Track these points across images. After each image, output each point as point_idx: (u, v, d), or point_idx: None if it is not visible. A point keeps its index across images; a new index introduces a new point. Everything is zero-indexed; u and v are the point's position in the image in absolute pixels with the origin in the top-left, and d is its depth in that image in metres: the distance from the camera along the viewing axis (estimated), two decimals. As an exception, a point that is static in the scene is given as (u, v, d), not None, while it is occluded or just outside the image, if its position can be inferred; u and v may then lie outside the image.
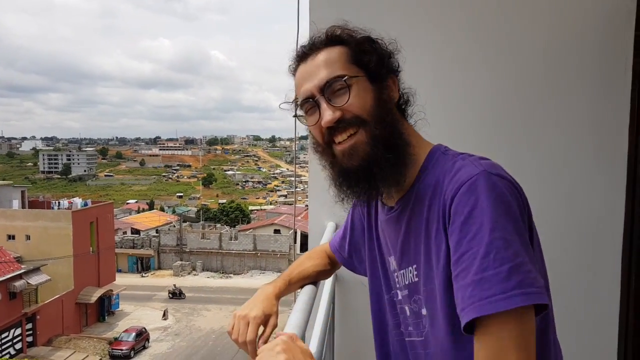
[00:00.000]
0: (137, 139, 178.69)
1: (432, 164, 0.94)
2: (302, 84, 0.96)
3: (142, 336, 24.65)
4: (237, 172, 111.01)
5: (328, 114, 0.92)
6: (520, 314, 0.74)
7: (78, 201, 30.08)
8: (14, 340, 21.74)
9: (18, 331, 21.97)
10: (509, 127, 2.15)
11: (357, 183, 0.94)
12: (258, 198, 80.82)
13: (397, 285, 1.03)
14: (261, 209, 61.71)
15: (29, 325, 22.68)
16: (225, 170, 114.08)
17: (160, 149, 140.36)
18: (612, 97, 2.10)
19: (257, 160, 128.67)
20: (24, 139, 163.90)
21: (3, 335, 21.10)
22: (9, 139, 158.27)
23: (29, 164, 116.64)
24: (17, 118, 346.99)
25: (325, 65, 0.93)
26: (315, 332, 1.66)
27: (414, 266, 0.95)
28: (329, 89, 0.92)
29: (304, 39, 1.04)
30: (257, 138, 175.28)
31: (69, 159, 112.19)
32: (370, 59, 0.95)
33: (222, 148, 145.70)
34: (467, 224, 0.80)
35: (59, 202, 29.60)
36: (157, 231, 40.47)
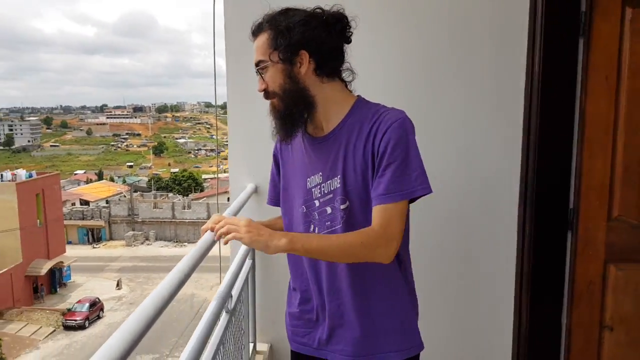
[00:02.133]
0: (83, 107, 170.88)
1: (357, 109, 1.33)
2: (255, 54, 1.30)
3: (96, 306, 24.28)
4: (189, 140, 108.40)
5: (258, 85, 1.32)
6: (404, 202, 1.24)
7: (22, 173, 28.71)
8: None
9: (-36, 308, 21.19)
10: (417, 83, 2.26)
11: (279, 127, 1.34)
12: (211, 166, 79.58)
13: (319, 195, 1.36)
14: (215, 177, 60.86)
15: (-24, 301, 21.89)
16: (176, 139, 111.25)
17: (107, 117, 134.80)
18: (510, 55, 2.23)
19: (209, 128, 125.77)
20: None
21: (-52, 313, 20.31)
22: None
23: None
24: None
25: (256, 50, 1.30)
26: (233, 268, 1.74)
27: (339, 176, 1.31)
28: (258, 68, 1.30)
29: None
30: (209, 105, 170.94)
31: (10, 130, 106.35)
32: (281, 43, 1.25)
33: (173, 115, 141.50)
34: (397, 146, 1.22)
35: (1, 175, 28.18)
36: (107, 202, 39.36)
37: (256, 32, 1.30)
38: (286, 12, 1.28)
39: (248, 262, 2.14)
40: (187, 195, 43.29)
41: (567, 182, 2.26)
